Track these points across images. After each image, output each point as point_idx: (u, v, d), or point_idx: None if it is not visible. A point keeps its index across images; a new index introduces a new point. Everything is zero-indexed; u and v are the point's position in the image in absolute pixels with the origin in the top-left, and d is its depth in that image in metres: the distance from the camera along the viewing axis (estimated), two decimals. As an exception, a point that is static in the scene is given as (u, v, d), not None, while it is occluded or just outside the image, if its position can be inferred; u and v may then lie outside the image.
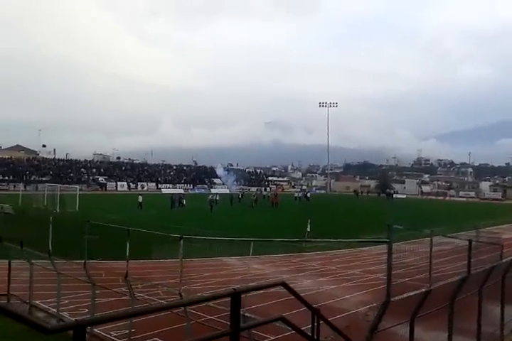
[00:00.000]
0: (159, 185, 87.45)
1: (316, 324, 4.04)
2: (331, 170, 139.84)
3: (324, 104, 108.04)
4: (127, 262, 7.65)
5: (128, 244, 7.70)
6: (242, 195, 57.00)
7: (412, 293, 4.88)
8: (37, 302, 10.93)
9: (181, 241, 6.20)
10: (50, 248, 9.90)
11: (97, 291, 9.78)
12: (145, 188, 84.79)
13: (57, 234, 11.44)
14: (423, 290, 5.05)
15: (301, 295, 12.34)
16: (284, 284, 3.53)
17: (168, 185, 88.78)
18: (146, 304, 9.71)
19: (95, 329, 9.00)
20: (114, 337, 9.00)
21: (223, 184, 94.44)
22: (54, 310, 10.27)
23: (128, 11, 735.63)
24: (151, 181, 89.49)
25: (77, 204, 35.44)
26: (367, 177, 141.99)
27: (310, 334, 3.90)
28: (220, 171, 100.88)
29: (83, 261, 10.14)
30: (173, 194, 47.94)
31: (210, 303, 7.85)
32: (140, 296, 10.27)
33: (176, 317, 8.54)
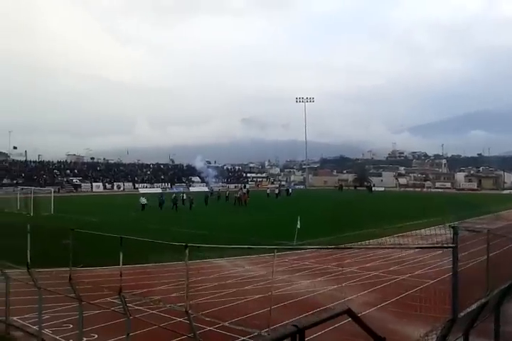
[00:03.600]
0: (136, 185, 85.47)
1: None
2: (308, 165, 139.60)
3: (301, 100, 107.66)
4: (121, 275, 6.67)
5: (121, 254, 6.70)
6: (220, 194, 55.85)
7: (474, 306, 4.10)
8: (14, 318, 9.81)
9: (187, 251, 5.27)
10: (29, 259, 8.78)
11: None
12: (121, 188, 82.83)
13: (33, 241, 10.30)
14: (482, 300, 4.27)
15: (304, 297, 11.51)
16: (349, 311, 2.68)
17: (145, 184, 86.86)
18: (137, 316, 8.76)
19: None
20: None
21: (202, 181, 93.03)
22: (34, 327, 9.20)
23: (102, 10, 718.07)
24: (128, 181, 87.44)
25: (52, 208, 33.89)
26: (344, 172, 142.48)
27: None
28: (199, 165, 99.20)
29: (65, 271, 9.14)
30: (162, 193, 46.09)
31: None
32: (131, 307, 9.28)
33: (171, 334, 7.59)
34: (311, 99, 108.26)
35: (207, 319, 6.63)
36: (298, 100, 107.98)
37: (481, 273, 4.92)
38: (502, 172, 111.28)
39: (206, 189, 72.42)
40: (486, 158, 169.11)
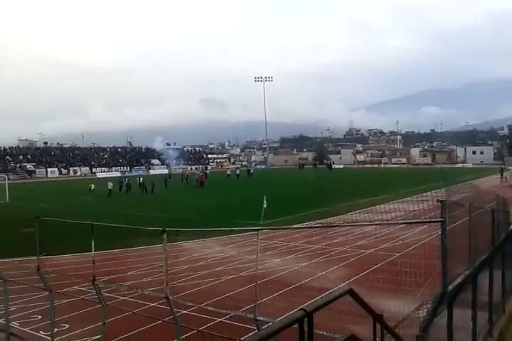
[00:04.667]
0: (93, 169, 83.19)
1: (377, 331, 3.17)
2: (268, 144, 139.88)
3: (260, 79, 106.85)
4: (94, 263, 6.37)
5: (93, 242, 6.39)
6: (183, 176, 55.06)
7: (459, 279, 4.13)
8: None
9: (164, 235, 5.05)
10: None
11: (45, 294, 8.35)
12: (78, 173, 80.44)
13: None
14: (466, 273, 4.32)
15: (276, 275, 11.51)
16: (351, 292, 2.60)
17: (103, 168, 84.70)
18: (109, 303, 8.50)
19: (56, 340, 7.70)
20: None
21: (162, 164, 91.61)
22: (0, 320, 8.77)
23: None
24: (84, 165, 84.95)
25: (6, 195, 32.45)
26: (304, 150, 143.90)
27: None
28: (159, 147, 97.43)
29: (26, 261, 8.74)
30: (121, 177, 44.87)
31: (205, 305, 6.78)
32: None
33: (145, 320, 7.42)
34: (269, 79, 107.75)
35: (188, 304, 6.47)
36: (257, 79, 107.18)
37: (460, 244, 4.97)
38: (455, 146, 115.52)
39: (166, 171, 71.38)
40: (439, 133, 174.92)
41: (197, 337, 7.03)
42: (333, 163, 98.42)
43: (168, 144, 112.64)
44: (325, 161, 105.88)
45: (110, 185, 37.48)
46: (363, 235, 17.65)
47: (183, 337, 6.43)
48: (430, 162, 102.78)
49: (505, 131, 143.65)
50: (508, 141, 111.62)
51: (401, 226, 18.04)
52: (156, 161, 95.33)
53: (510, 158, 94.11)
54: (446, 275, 3.78)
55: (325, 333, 4.20)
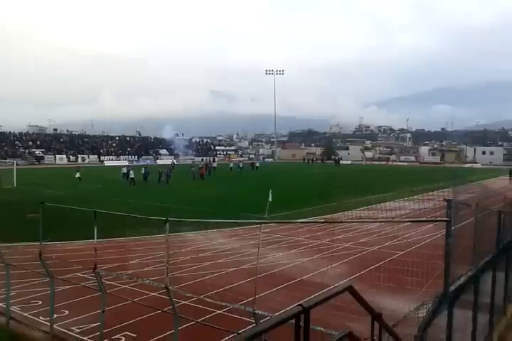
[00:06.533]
0: (101, 157, 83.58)
1: (376, 331, 3.11)
2: (277, 138, 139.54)
3: (271, 72, 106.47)
4: (95, 251, 6.36)
5: (96, 229, 6.37)
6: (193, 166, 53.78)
7: (462, 281, 4.05)
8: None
9: (167, 225, 5.01)
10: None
11: (46, 279, 8.37)
12: (86, 161, 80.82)
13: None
14: (469, 273, 4.24)
15: (278, 269, 11.46)
16: (350, 289, 2.54)
17: (111, 157, 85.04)
18: (109, 291, 8.50)
19: (55, 326, 7.72)
20: (77, 333, 7.75)
21: (170, 154, 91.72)
22: (1, 304, 8.83)
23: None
24: (93, 153, 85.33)
25: (14, 180, 32.66)
26: (312, 145, 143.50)
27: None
28: (168, 136, 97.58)
29: (29, 246, 8.77)
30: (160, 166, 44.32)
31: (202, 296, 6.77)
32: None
33: (144, 309, 7.41)
34: (280, 72, 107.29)
35: (188, 295, 6.45)
36: (268, 72, 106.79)
37: (465, 245, 4.88)
38: (464, 146, 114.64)
39: (175, 162, 71.26)
40: (449, 132, 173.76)
41: (195, 328, 7.04)
42: (341, 159, 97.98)
43: (177, 135, 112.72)
44: (333, 157, 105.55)
45: (132, 174, 37.52)
46: (368, 232, 17.56)
47: (181, 327, 6.43)
48: (439, 161, 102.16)
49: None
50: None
51: (406, 224, 17.92)
52: (163, 151, 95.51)
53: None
54: (448, 276, 3.70)
55: (322, 329, 4.16)
